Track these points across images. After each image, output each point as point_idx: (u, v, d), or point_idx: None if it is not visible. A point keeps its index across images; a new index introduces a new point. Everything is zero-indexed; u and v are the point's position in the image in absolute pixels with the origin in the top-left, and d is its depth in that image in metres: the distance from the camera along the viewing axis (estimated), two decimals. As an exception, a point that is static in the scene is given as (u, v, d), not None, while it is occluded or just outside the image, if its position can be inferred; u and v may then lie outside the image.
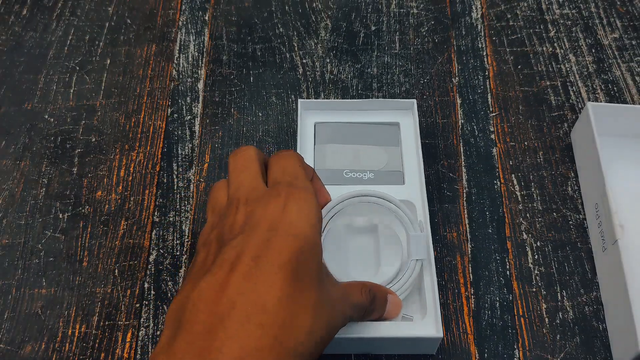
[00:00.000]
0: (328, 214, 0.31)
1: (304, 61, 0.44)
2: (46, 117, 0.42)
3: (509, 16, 0.47)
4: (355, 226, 0.34)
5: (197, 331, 0.19)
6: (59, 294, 0.34)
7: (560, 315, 0.33)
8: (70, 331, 0.33)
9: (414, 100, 0.38)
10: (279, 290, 0.20)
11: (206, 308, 0.20)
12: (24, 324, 0.33)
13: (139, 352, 0.32)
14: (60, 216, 0.37)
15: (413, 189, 0.35)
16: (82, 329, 0.33)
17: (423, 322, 0.30)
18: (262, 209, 0.23)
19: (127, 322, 0.33)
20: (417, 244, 0.31)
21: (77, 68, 0.45)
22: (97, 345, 0.32)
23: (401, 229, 0.33)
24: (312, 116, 0.39)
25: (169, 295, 0.34)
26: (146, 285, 0.35)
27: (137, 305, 0.34)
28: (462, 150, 0.40)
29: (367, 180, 0.36)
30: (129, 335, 0.33)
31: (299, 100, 0.38)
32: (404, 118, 0.39)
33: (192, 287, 0.21)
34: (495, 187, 0.38)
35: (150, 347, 0.32)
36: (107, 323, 0.33)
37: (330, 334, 0.22)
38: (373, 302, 0.27)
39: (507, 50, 0.45)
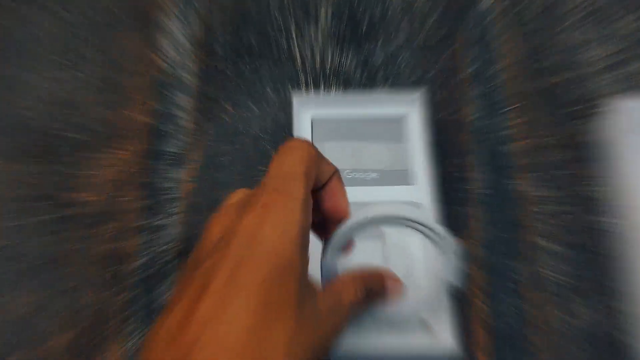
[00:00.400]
0: (343, 234, 0.25)
1: (303, 51, 0.42)
2: (31, 114, 0.40)
3: (523, 4, 0.44)
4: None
5: None
6: (45, 300, 0.33)
7: (579, 325, 0.32)
8: (56, 338, 0.32)
9: (420, 92, 0.36)
10: (246, 324, 0.18)
11: (169, 347, 0.18)
12: (11, 328, 0.32)
13: (127, 359, 0.30)
14: (47, 218, 0.35)
15: (421, 189, 0.33)
16: (70, 335, 0.32)
17: (437, 332, 0.29)
18: (239, 221, 0.21)
19: (115, 329, 0.32)
20: (453, 269, 0.27)
21: (65, 62, 0.42)
22: (84, 352, 0.31)
23: (409, 236, 0.31)
24: (309, 112, 0.36)
25: (158, 300, 0.32)
26: (135, 290, 0.33)
27: (126, 312, 0.33)
28: (473, 148, 0.37)
29: (370, 180, 0.34)
30: (117, 342, 0.31)
31: (294, 96, 0.36)
32: (409, 111, 0.36)
33: (162, 320, 0.20)
34: (510, 187, 0.36)
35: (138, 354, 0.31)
36: (95, 330, 0.32)
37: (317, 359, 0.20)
38: (370, 295, 0.25)
39: (522, 40, 0.42)
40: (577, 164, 0.37)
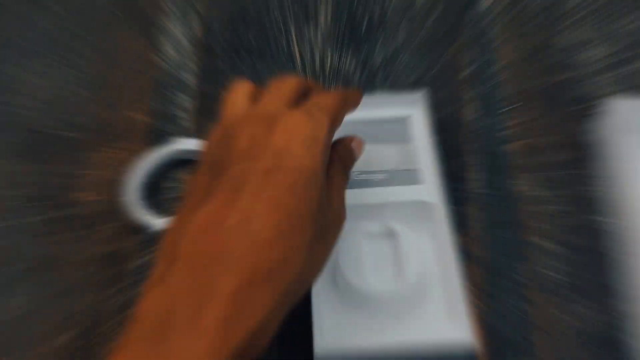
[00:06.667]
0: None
1: (302, 51, 0.42)
2: (27, 113, 0.40)
3: (524, 3, 0.44)
4: (370, 231, 0.32)
5: (192, 265, 0.20)
6: (42, 301, 0.33)
7: (582, 327, 0.32)
8: (53, 340, 0.32)
9: (423, 91, 0.36)
10: (275, 227, 0.21)
11: (202, 241, 0.20)
12: (6, 332, 0.32)
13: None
14: (43, 218, 0.35)
15: (429, 187, 0.34)
16: (66, 337, 0.32)
17: (452, 329, 0.29)
18: (270, 135, 0.23)
19: (113, 330, 0.32)
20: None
21: (59, 59, 0.42)
22: (81, 354, 0.31)
23: (421, 233, 0.32)
24: None
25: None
26: (133, 291, 0.33)
27: (124, 313, 0.32)
28: (473, 147, 0.38)
29: (379, 181, 0.34)
30: (115, 343, 0.31)
31: None
32: (413, 111, 0.37)
33: (187, 217, 0.21)
34: (510, 187, 0.36)
35: None
36: (92, 331, 0.32)
37: (325, 262, 0.23)
38: (346, 167, 0.28)
39: (522, 39, 0.42)
40: (575, 163, 0.37)
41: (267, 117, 0.23)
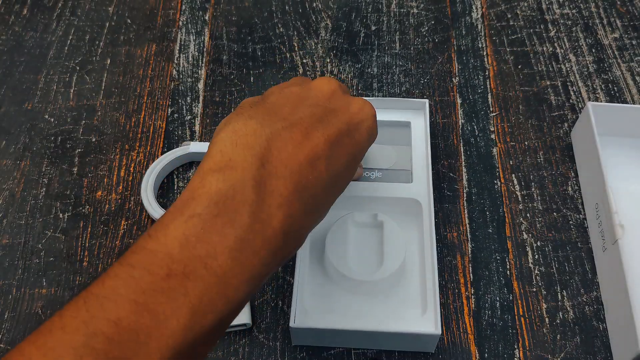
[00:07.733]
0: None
1: (304, 61, 0.44)
2: (46, 117, 0.42)
3: (509, 16, 0.47)
4: (360, 221, 0.34)
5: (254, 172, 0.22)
6: (59, 293, 0.34)
7: (561, 315, 0.33)
8: None
9: (426, 101, 0.38)
10: (344, 165, 0.25)
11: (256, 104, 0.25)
12: (25, 324, 0.33)
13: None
14: (61, 216, 0.37)
15: (420, 187, 0.35)
16: None
17: (423, 319, 0.30)
18: (346, 97, 0.27)
19: None
20: None
21: (77, 68, 0.45)
22: None
23: (405, 225, 0.33)
24: None
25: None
26: None
27: None
28: (462, 150, 0.40)
29: (375, 178, 0.36)
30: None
31: None
32: (415, 118, 0.39)
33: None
34: (496, 187, 0.38)
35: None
36: None
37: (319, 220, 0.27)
38: None
39: (507, 50, 0.45)
40: (558, 164, 0.39)
41: (343, 89, 0.28)
